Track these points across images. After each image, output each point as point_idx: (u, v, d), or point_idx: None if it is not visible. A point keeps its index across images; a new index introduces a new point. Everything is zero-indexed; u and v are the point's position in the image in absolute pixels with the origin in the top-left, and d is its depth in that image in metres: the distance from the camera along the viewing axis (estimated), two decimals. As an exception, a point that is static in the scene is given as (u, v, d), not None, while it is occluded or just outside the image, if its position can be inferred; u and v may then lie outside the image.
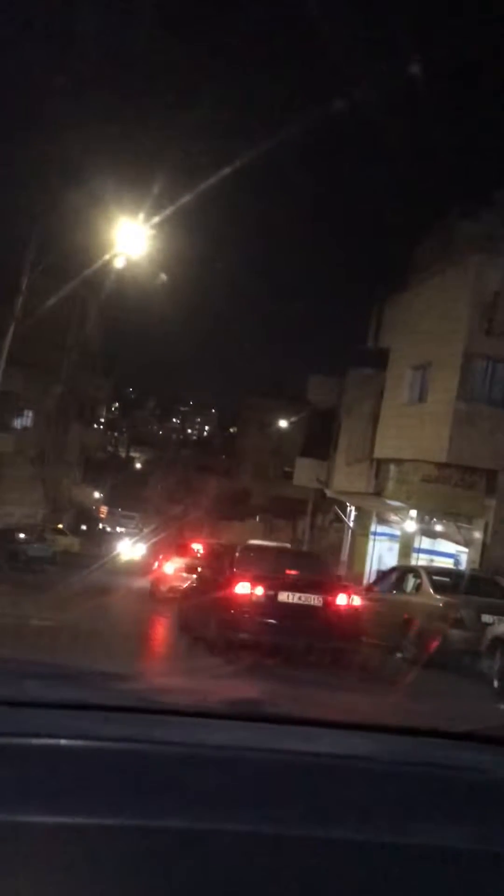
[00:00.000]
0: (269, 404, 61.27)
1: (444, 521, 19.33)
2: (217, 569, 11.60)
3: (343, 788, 1.25)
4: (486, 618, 11.19)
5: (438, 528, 19.83)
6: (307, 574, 10.78)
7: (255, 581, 10.05)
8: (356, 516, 30.71)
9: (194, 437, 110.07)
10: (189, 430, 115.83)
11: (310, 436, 34.14)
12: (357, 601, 10.87)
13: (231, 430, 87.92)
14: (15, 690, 1.44)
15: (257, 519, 56.37)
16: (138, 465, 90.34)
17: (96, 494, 61.33)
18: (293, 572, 10.61)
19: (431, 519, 20.52)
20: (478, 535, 17.90)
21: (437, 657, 11.18)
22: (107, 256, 16.33)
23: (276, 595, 10.01)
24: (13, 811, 1.06)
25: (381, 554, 25.87)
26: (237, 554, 10.89)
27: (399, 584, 13.37)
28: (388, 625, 12.43)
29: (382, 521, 25.57)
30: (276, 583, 10.11)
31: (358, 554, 26.40)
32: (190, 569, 15.91)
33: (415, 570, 13.46)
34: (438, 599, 11.57)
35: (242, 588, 10.02)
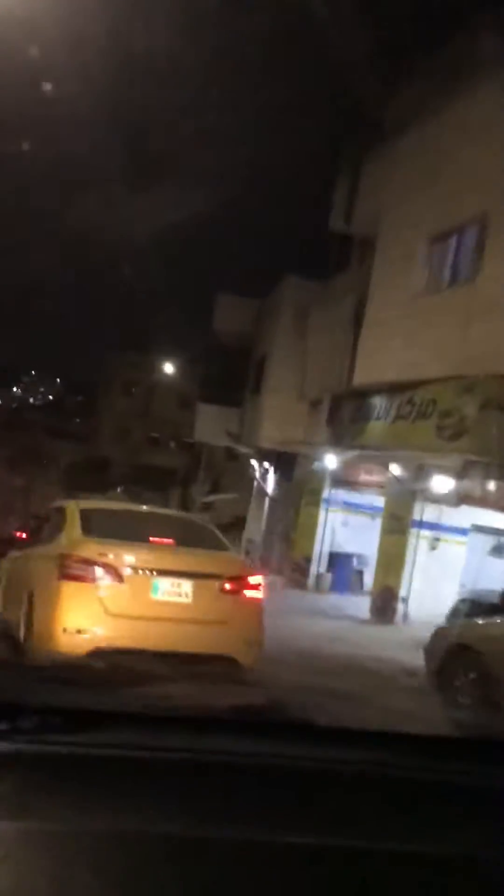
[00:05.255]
0: (135, 359, 53.10)
1: (493, 476, 12.11)
2: None
3: (345, 795, 1.25)
4: None
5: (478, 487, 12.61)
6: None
7: None
8: (278, 479, 23.23)
9: (38, 404, 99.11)
10: (31, 400, 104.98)
11: (212, 377, 26.21)
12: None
13: (78, 398, 78.52)
14: (16, 696, 1.41)
15: (119, 490, 48.20)
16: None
17: None
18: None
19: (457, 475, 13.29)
20: None
21: None
22: None
23: None
24: (15, 817, 1.06)
25: (334, 528, 18.52)
26: None
27: None
28: None
29: (338, 482, 18.21)
30: None
31: (303, 530, 18.86)
32: None
33: None
34: None
35: None
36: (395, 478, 14.61)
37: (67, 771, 1.16)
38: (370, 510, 18.46)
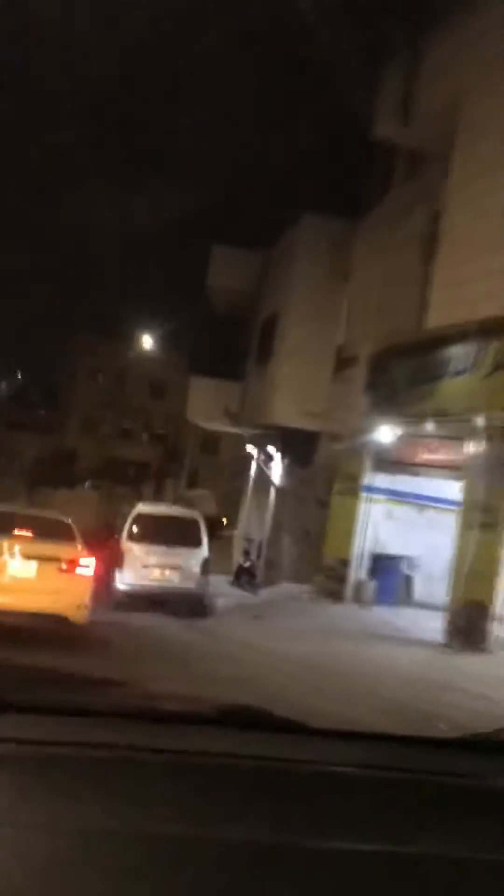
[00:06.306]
0: (103, 341, 48.86)
1: None
2: None
3: (338, 796, 1.23)
4: None
5: None
6: None
7: None
8: (289, 464, 19.36)
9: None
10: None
11: (204, 347, 22.25)
12: None
13: (42, 387, 73.71)
14: (10, 696, 1.38)
15: (86, 486, 44.25)
16: None
17: None
18: None
19: None
20: None
21: None
22: None
23: None
24: (11, 819, 1.04)
25: (376, 524, 14.71)
26: None
27: None
28: None
29: (382, 465, 14.42)
30: None
31: (336, 526, 15.00)
32: None
33: None
34: None
35: None
36: (491, 454, 10.79)
37: (58, 771, 1.14)
38: (419, 500, 14.78)
